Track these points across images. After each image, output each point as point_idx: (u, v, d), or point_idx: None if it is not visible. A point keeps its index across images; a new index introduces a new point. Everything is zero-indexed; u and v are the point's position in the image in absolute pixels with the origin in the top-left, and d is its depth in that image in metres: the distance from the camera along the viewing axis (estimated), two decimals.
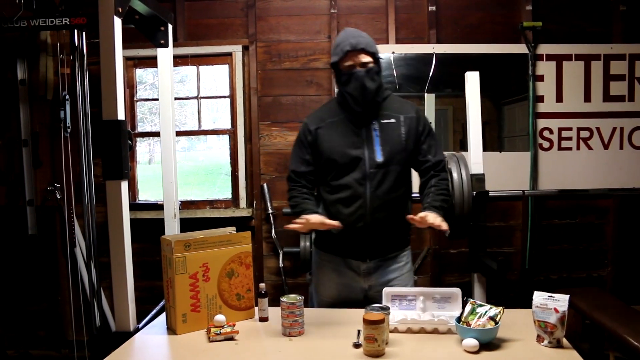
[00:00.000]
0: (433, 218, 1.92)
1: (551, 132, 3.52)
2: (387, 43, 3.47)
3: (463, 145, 3.55)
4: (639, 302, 3.42)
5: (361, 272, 2.14)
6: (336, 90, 3.43)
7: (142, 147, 3.87)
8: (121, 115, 1.97)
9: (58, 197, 3.31)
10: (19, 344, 3.57)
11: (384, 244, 2.13)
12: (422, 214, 1.93)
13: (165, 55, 2.63)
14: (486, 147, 3.19)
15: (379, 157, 2.04)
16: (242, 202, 3.59)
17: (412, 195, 2.22)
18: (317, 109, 2.25)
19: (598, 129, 3.52)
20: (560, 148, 3.53)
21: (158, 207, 3.51)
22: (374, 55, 2.02)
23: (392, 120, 2.08)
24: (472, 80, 2.78)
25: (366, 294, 2.16)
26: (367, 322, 1.62)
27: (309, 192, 2.14)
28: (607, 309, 2.80)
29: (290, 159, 2.21)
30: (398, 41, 3.49)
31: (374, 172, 2.04)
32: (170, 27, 2.65)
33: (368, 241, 2.09)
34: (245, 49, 3.54)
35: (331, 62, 2.08)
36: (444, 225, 1.92)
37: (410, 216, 1.97)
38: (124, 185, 2.02)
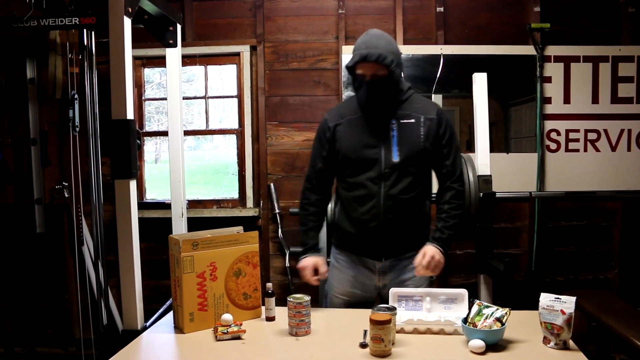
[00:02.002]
0: (427, 263, 1.99)
1: (558, 133, 3.51)
2: None
3: (470, 146, 3.55)
4: None
5: (376, 270, 2.13)
6: (344, 91, 3.46)
7: (149, 147, 3.89)
8: (130, 115, 1.98)
9: (66, 195, 3.33)
10: (26, 341, 3.60)
11: (398, 244, 2.11)
12: (419, 256, 2.02)
13: (173, 55, 2.64)
14: (493, 148, 3.18)
15: (395, 158, 2.02)
16: (249, 202, 3.60)
17: (432, 195, 2.22)
18: (338, 105, 2.28)
19: (606, 130, 3.51)
20: (567, 150, 3.52)
21: (165, 206, 3.53)
22: (389, 65, 1.95)
23: (412, 121, 2.06)
24: (480, 82, 2.78)
25: (380, 293, 2.17)
26: (373, 323, 1.62)
27: (315, 210, 2.21)
28: (614, 311, 2.79)
29: (311, 154, 2.23)
30: (406, 42, 3.49)
31: (389, 172, 2.03)
32: (179, 27, 2.66)
33: (382, 240, 2.08)
34: (253, 49, 3.55)
35: (346, 65, 2.07)
36: (429, 272, 2.02)
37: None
38: (133, 184, 2.03)
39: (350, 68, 2.04)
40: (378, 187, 2.03)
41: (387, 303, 1.92)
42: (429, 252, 2.00)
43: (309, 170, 2.22)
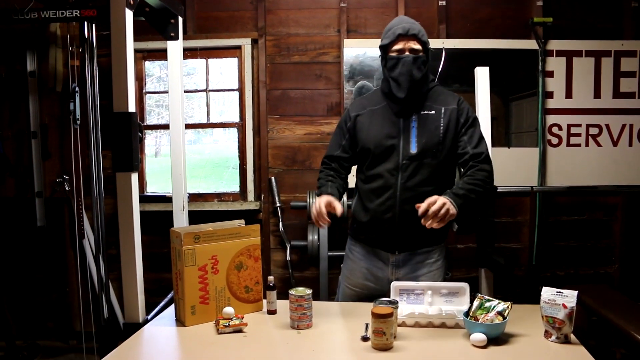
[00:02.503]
0: (437, 207, 1.82)
1: (560, 128, 3.51)
2: None
3: None
4: None
5: (390, 263, 2.12)
6: (345, 84, 3.45)
7: (149, 140, 3.88)
8: (132, 108, 1.98)
9: (67, 188, 3.33)
10: (27, 334, 3.60)
11: (413, 238, 2.08)
12: (428, 200, 1.85)
13: (175, 48, 2.63)
14: (494, 142, 3.18)
15: (414, 149, 2.01)
16: (250, 195, 3.59)
17: None
18: (363, 96, 2.27)
19: (607, 125, 3.50)
20: (569, 144, 3.51)
21: (166, 199, 3.53)
22: (425, 45, 2.01)
23: (432, 112, 2.04)
24: (482, 76, 2.78)
25: None
26: (375, 316, 1.63)
27: (336, 174, 2.17)
28: (614, 305, 2.80)
29: (330, 142, 2.25)
30: None
31: (406, 163, 2.01)
32: (180, 19, 2.65)
33: (397, 233, 2.06)
34: (254, 42, 3.54)
35: (380, 45, 2.06)
36: (436, 222, 1.84)
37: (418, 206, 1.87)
38: (134, 177, 2.03)
39: (384, 47, 2.04)
40: (395, 179, 2.02)
41: (382, 298, 1.87)
42: (441, 200, 1.84)
43: (326, 156, 2.22)
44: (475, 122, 2.09)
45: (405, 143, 2.02)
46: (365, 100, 2.19)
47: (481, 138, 2.08)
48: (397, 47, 2.01)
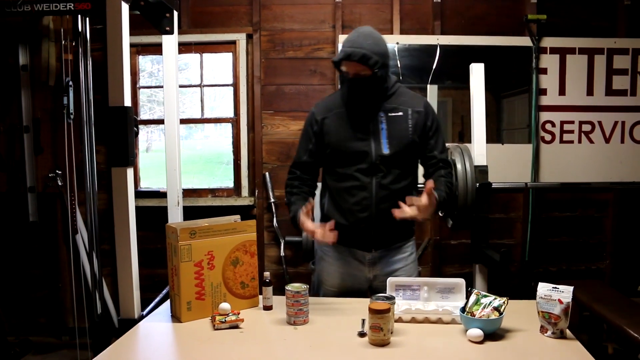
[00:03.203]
0: (425, 202, 1.89)
1: (553, 125, 3.53)
2: (392, 34, 3.46)
3: (461, 138, 3.57)
4: (636, 295, 3.45)
5: (366, 261, 2.14)
6: (340, 80, 3.45)
7: (140, 135, 3.85)
8: (128, 102, 1.97)
9: (59, 183, 3.31)
10: (19, 330, 3.58)
11: (388, 235, 2.12)
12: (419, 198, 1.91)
13: (170, 42, 2.62)
14: (486, 139, 3.19)
15: (385, 150, 2.03)
16: (244, 191, 3.59)
17: (418, 186, 2.21)
18: (325, 98, 2.24)
19: (600, 122, 3.53)
20: (562, 141, 3.54)
21: (159, 195, 3.52)
22: (373, 67, 1.94)
23: (400, 114, 2.07)
24: (477, 72, 2.78)
25: (371, 284, 2.17)
26: (373, 312, 1.63)
27: (302, 184, 2.14)
28: (607, 301, 2.82)
29: (298, 147, 2.21)
30: (402, 32, 3.48)
31: (379, 163, 2.04)
32: (175, 13, 2.63)
33: (373, 231, 2.08)
34: (249, 37, 3.53)
35: (332, 60, 2.07)
36: (419, 213, 1.91)
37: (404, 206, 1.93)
38: (130, 172, 2.02)
39: (336, 63, 2.04)
40: (370, 179, 2.04)
41: (379, 294, 1.90)
42: (429, 197, 1.90)
43: (293, 163, 2.19)
44: (439, 127, 2.15)
45: (376, 144, 2.04)
46: (329, 102, 2.16)
47: (444, 143, 2.17)
48: (343, 67, 2.01)
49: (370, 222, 2.06)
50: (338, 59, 2.00)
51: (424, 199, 1.89)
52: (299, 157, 2.17)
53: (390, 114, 2.06)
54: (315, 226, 1.97)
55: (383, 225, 2.07)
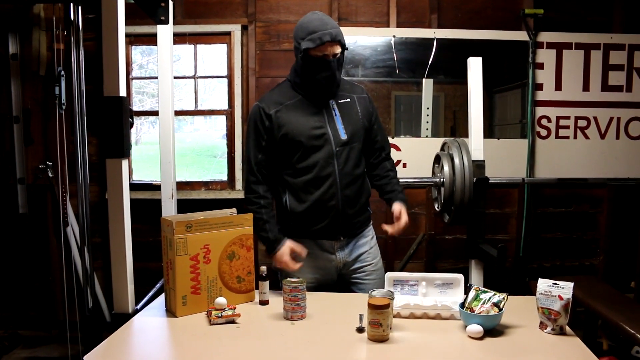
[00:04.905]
0: (404, 217, 2.13)
1: (549, 120, 3.52)
2: (388, 26, 3.43)
3: (453, 133, 3.56)
4: (629, 291, 3.47)
5: (335, 251, 2.16)
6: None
7: None
8: (123, 92, 1.93)
9: (50, 175, 3.26)
10: (8, 323, 3.53)
11: (354, 220, 2.16)
12: (396, 213, 2.12)
13: (165, 32, 2.56)
14: None
15: (343, 135, 2.09)
16: (238, 184, 3.55)
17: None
18: (269, 93, 2.18)
19: (595, 118, 3.53)
20: (557, 136, 3.53)
21: (152, 187, 3.47)
22: (344, 46, 2.04)
23: (348, 100, 2.15)
24: (475, 66, 2.76)
25: (340, 273, 2.19)
26: (372, 307, 1.61)
27: (268, 203, 2.13)
28: (601, 296, 2.83)
29: (247, 147, 2.15)
30: (399, 24, 3.45)
31: (340, 150, 2.07)
32: (170, 3, 2.58)
33: (341, 219, 2.11)
34: (244, 28, 3.48)
35: (303, 48, 1.99)
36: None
37: (387, 226, 2.14)
38: (125, 163, 1.98)
39: (309, 50, 1.98)
40: (332, 167, 2.06)
41: (349, 283, 2.07)
42: (404, 213, 2.13)
43: (249, 165, 2.13)
44: (378, 114, 2.29)
45: (333, 131, 2.09)
46: (276, 96, 2.13)
47: (384, 130, 2.33)
48: (322, 52, 1.99)
49: (337, 210, 2.09)
50: (322, 42, 1.96)
51: (402, 222, 2.11)
52: (255, 157, 2.11)
53: (340, 101, 2.14)
54: (293, 264, 2.06)
55: (349, 211, 2.12)
